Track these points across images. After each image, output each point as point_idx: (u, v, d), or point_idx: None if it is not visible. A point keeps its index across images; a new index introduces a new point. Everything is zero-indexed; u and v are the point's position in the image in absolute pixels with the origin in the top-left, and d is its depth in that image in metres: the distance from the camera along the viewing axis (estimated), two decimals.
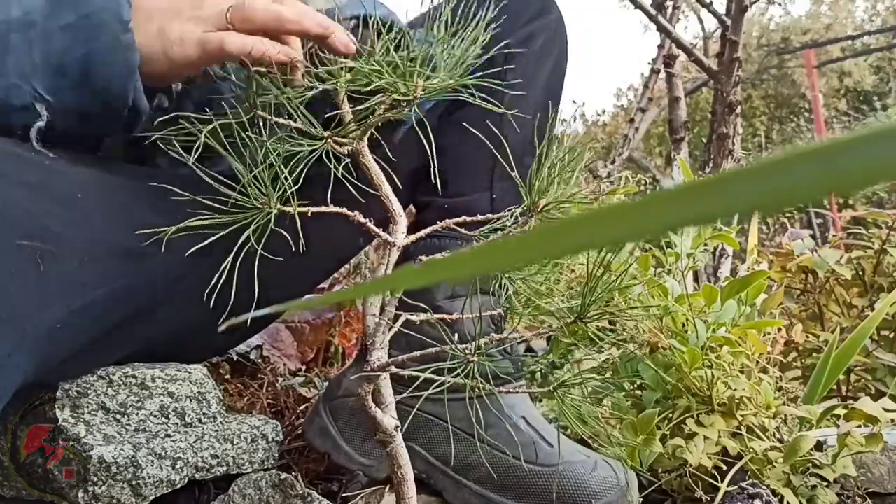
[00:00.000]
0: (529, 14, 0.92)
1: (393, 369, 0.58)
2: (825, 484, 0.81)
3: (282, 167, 0.61)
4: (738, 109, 1.94)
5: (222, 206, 0.61)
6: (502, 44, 0.77)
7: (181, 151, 0.64)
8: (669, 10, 2.67)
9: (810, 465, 0.82)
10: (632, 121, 3.30)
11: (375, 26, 0.65)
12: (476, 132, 0.73)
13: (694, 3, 4.03)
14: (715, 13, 2.14)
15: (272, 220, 0.60)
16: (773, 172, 0.10)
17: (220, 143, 0.62)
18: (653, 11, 2.20)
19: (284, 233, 0.63)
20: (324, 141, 0.63)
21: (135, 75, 0.65)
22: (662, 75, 2.75)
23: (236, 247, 0.59)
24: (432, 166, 0.66)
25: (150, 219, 0.68)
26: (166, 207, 0.70)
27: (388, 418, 0.58)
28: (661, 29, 2.26)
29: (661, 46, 2.95)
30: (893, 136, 0.10)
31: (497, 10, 0.70)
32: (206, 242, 0.60)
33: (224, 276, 0.60)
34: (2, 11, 0.62)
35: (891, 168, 0.10)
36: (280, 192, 0.61)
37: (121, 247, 0.66)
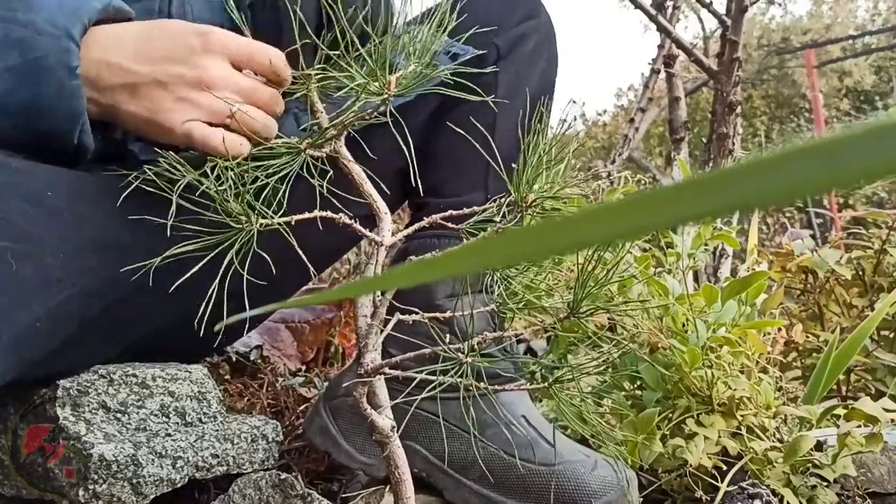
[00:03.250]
0: (519, 16, 0.93)
1: (387, 371, 0.58)
2: (825, 484, 0.81)
3: (250, 194, 0.60)
4: (738, 109, 1.93)
5: (203, 222, 0.61)
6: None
7: (156, 180, 0.63)
8: (669, 10, 2.67)
9: (810, 465, 0.82)
10: (632, 121, 3.30)
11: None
12: (467, 132, 0.73)
13: (694, 3, 4.03)
14: (715, 13, 2.14)
15: (254, 237, 0.60)
16: (773, 169, 0.10)
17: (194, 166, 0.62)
18: (653, 11, 2.19)
19: (267, 240, 0.62)
20: (302, 153, 0.63)
21: (80, 119, 0.65)
22: (662, 75, 2.75)
23: (222, 268, 0.59)
24: (411, 166, 0.66)
25: (126, 213, 0.68)
26: (143, 200, 0.70)
27: (384, 419, 0.58)
28: (661, 29, 2.26)
29: (661, 46, 2.94)
30: (893, 132, 0.10)
31: (488, 10, 0.70)
32: (190, 272, 0.60)
33: (208, 282, 0.60)
34: None
35: (891, 164, 0.10)
36: (261, 208, 0.60)
37: (96, 242, 0.66)
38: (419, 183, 0.75)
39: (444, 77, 0.67)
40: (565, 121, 0.66)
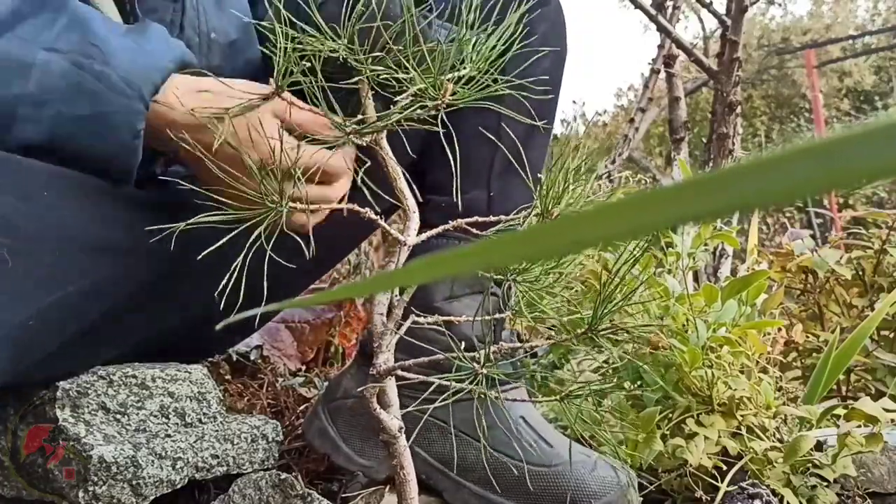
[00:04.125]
0: (528, 4, 0.91)
1: (399, 373, 0.58)
2: (825, 484, 0.81)
3: (295, 167, 0.59)
4: (738, 109, 1.93)
5: (226, 202, 0.60)
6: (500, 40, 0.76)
7: (191, 141, 0.62)
8: (669, 10, 2.67)
9: (810, 465, 0.82)
10: (632, 121, 3.30)
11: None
12: (471, 128, 0.72)
13: (694, 3, 4.03)
14: (715, 13, 2.14)
15: (283, 218, 0.59)
16: (773, 169, 0.10)
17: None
18: (653, 11, 2.19)
19: (284, 238, 0.62)
20: (347, 136, 0.61)
21: (131, 174, 0.67)
22: (662, 75, 2.75)
23: (247, 245, 0.58)
24: (453, 163, 0.65)
25: (127, 214, 0.68)
26: (146, 201, 0.70)
27: (393, 420, 0.58)
28: (661, 29, 2.26)
29: (661, 46, 2.95)
30: (893, 132, 0.10)
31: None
32: (214, 247, 0.59)
33: (215, 276, 0.59)
34: (17, 85, 0.61)
35: (891, 165, 0.10)
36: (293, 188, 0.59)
37: (96, 242, 0.66)
38: (424, 180, 0.74)
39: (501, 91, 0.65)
40: (565, 121, 0.66)
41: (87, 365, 0.72)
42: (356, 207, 0.61)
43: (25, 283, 0.60)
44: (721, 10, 2.10)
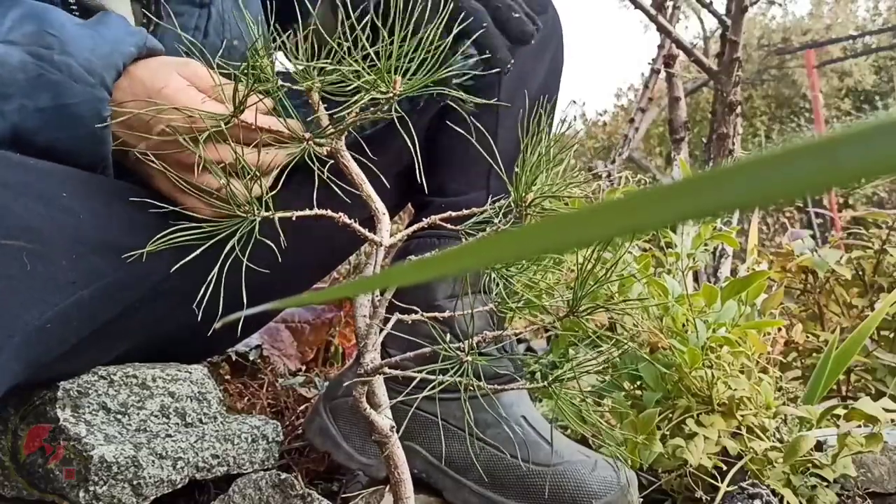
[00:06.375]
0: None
1: (387, 370, 0.58)
2: (825, 484, 0.81)
3: (257, 174, 0.60)
4: (739, 109, 1.93)
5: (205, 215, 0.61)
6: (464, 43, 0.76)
7: (156, 161, 0.63)
8: (669, 10, 2.67)
9: (810, 465, 0.82)
10: (632, 121, 3.30)
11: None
12: (468, 133, 0.73)
13: (694, 3, 4.03)
14: (715, 13, 2.13)
15: (256, 227, 0.60)
16: (773, 168, 0.10)
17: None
18: (653, 11, 2.19)
19: (272, 237, 0.62)
20: (304, 144, 0.62)
21: (104, 161, 0.67)
22: (662, 75, 2.74)
23: (221, 256, 0.59)
24: (418, 166, 0.66)
25: (138, 215, 0.68)
26: (154, 204, 0.70)
27: (383, 419, 0.58)
28: (661, 29, 2.26)
29: (661, 46, 2.94)
30: (893, 130, 0.10)
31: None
32: (191, 256, 0.60)
33: (213, 280, 0.60)
34: None
35: (891, 163, 0.10)
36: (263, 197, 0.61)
37: (108, 244, 0.66)
38: (422, 182, 0.75)
39: (451, 78, 0.66)
40: (565, 121, 0.66)
41: (94, 365, 0.72)
42: (329, 213, 0.61)
43: (45, 286, 0.60)
44: (721, 10, 2.10)
